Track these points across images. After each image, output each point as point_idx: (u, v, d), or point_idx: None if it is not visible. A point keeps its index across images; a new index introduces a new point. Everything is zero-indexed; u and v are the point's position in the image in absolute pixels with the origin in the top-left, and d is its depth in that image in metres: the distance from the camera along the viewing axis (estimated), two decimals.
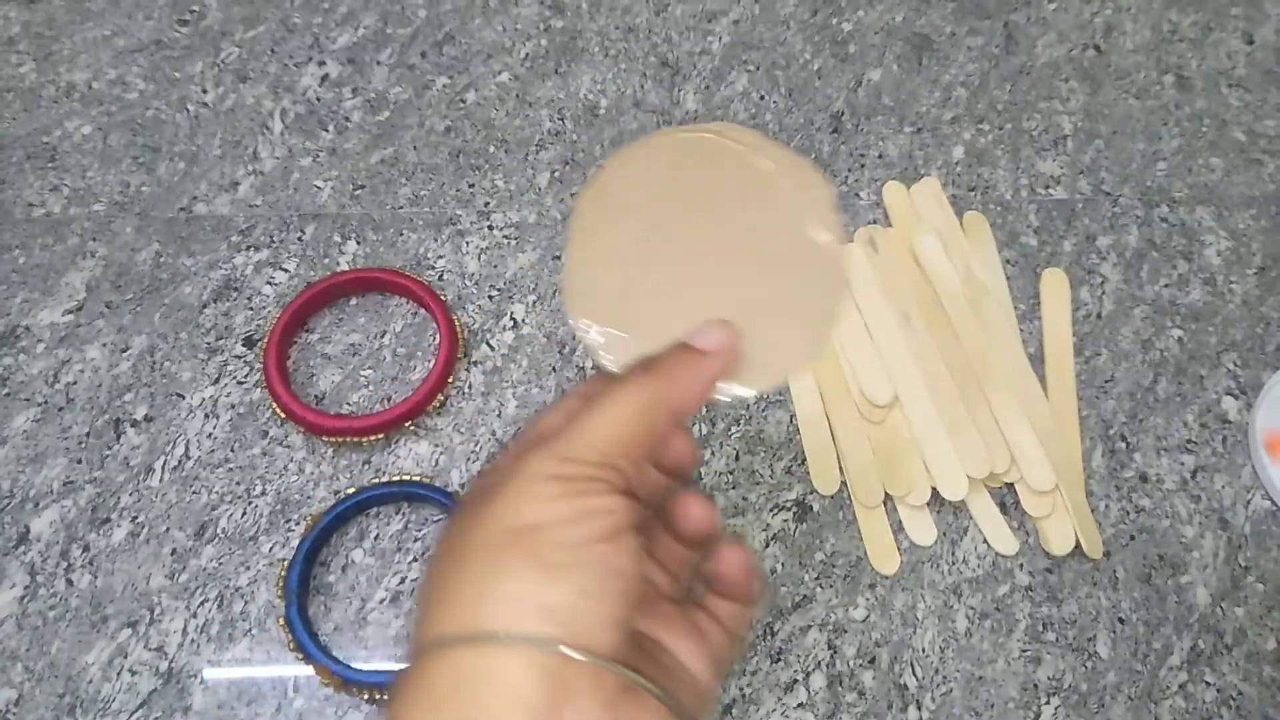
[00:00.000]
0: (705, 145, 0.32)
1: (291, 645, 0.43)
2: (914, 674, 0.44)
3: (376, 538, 0.46)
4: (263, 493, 0.47)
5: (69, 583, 0.45)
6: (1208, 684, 0.44)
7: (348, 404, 0.49)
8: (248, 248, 0.53)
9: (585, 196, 0.33)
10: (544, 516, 0.25)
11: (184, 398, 0.49)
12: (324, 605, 0.45)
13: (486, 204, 0.55)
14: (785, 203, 0.31)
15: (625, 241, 0.32)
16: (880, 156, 0.57)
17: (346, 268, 0.53)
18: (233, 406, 0.49)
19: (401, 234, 0.54)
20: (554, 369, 0.51)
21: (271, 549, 0.46)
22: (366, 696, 0.43)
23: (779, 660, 0.44)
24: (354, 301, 0.52)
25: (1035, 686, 0.44)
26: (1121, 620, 0.46)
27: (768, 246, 0.32)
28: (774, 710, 0.43)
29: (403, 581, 0.45)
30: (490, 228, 0.54)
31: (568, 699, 0.23)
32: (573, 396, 0.31)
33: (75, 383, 0.49)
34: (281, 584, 0.44)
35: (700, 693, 0.29)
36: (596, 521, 0.26)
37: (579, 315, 0.32)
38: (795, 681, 0.44)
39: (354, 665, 0.43)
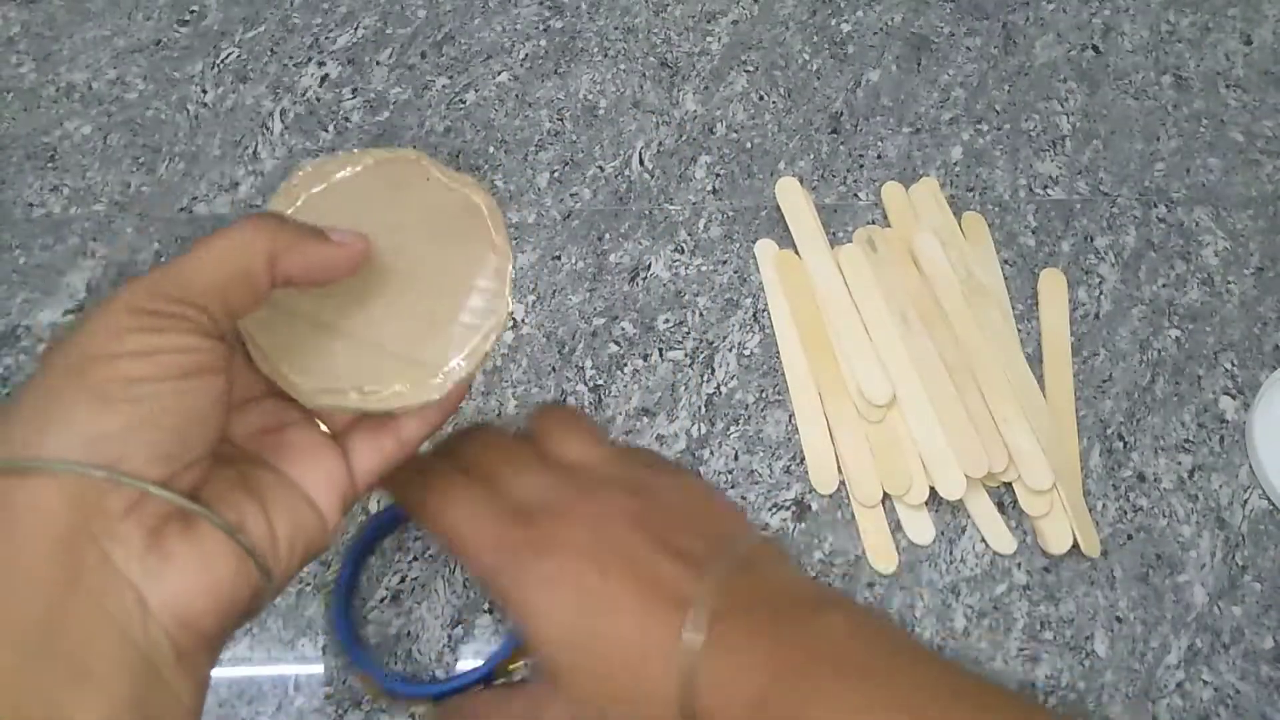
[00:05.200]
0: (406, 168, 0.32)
1: (333, 650, 0.42)
2: None
3: None
4: None
5: None
6: (1205, 683, 0.45)
7: None
8: None
9: (282, 199, 0.32)
10: (111, 348, 0.25)
11: None
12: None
13: None
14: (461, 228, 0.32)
15: None
16: (879, 157, 0.57)
17: None
18: None
19: None
20: (554, 369, 0.51)
21: None
22: (410, 712, 0.41)
23: None
24: None
25: (1033, 685, 0.44)
26: (1119, 619, 0.46)
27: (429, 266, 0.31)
28: None
29: (403, 581, 0.45)
30: None
31: (106, 524, 0.24)
32: None
33: None
34: (328, 594, 0.44)
35: (315, 522, 0.29)
36: (167, 358, 0.25)
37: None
38: None
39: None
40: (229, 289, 0.27)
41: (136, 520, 0.24)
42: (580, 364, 0.51)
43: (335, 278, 0.29)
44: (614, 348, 0.51)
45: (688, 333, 0.52)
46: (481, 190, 0.32)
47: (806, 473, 0.48)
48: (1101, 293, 0.53)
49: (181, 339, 0.26)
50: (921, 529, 0.47)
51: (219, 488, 0.27)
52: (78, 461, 0.23)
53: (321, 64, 0.60)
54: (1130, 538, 0.48)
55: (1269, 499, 0.48)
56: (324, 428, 0.31)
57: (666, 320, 0.52)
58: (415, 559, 0.46)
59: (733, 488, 0.48)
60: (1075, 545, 0.47)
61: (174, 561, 0.24)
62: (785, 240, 0.54)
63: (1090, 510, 0.48)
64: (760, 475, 0.48)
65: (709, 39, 0.61)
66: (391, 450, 0.31)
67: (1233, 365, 0.52)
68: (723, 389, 0.50)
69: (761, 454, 0.49)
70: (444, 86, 0.59)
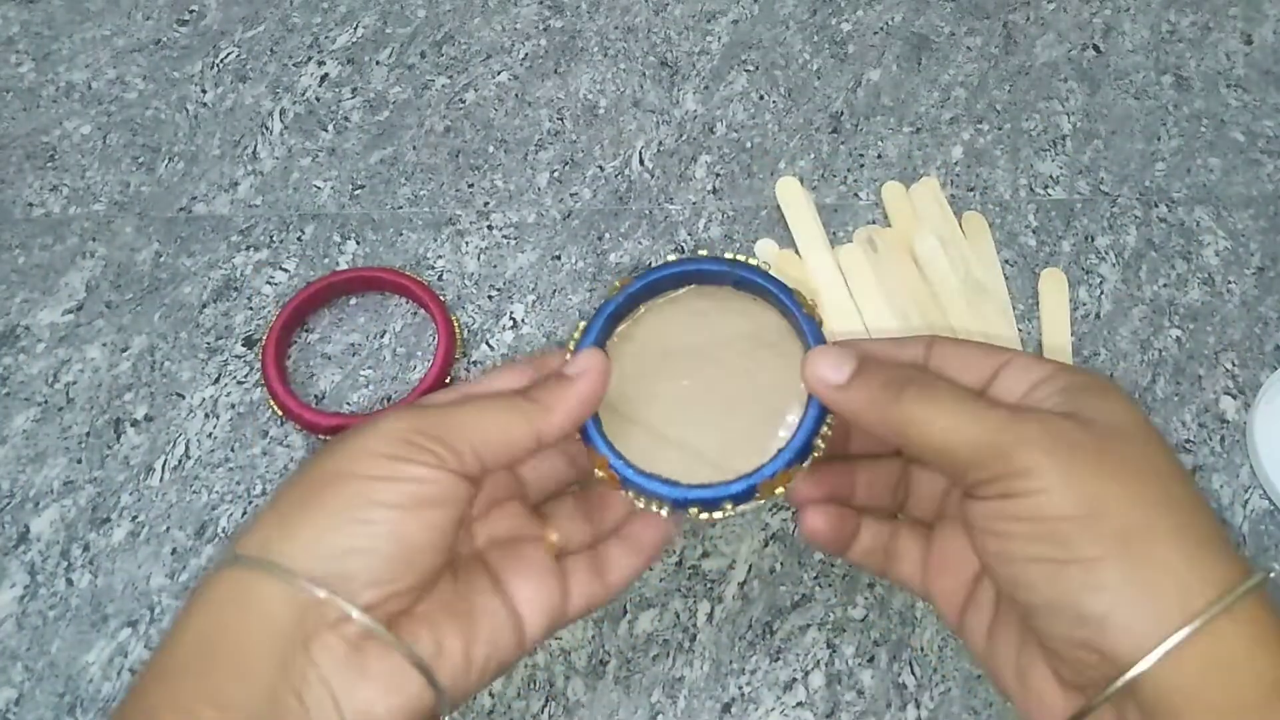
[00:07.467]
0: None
1: None
2: (912, 673, 0.44)
3: None
4: (263, 492, 0.47)
5: (69, 582, 0.45)
6: None
7: (348, 403, 0.49)
8: (247, 248, 0.53)
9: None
10: (361, 468, 0.28)
11: (184, 397, 0.49)
12: None
13: (486, 204, 0.55)
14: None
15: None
16: (879, 156, 0.57)
17: (346, 267, 0.53)
18: (233, 406, 0.49)
19: (401, 234, 0.54)
20: None
21: None
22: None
23: (778, 659, 0.44)
24: (353, 301, 0.52)
25: None
26: None
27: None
28: (773, 709, 0.43)
29: None
30: (490, 228, 0.54)
31: (318, 632, 0.27)
32: (468, 384, 0.34)
33: (75, 382, 0.49)
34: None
35: (514, 641, 0.31)
36: (405, 487, 0.28)
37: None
38: (794, 680, 0.44)
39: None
40: (489, 447, 0.30)
41: (342, 634, 0.27)
42: None
43: (583, 418, 0.32)
44: None
45: None
46: (776, 313, 0.36)
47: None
48: (1102, 292, 0.53)
49: (425, 471, 0.28)
50: None
51: (434, 604, 0.29)
52: (305, 576, 0.27)
53: (321, 64, 0.60)
54: None
55: (1269, 499, 0.48)
56: (552, 548, 0.34)
57: None
58: None
59: None
60: None
61: (369, 676, 0.27)
62: (785, 240, 0.54)
63: None
64: None
65: (709, 39, 0.61)
66: (600, 593, 0.34)
67: (1233, 365, 0.51)
68: None
69: None
70: (444, 86, 0.59)
